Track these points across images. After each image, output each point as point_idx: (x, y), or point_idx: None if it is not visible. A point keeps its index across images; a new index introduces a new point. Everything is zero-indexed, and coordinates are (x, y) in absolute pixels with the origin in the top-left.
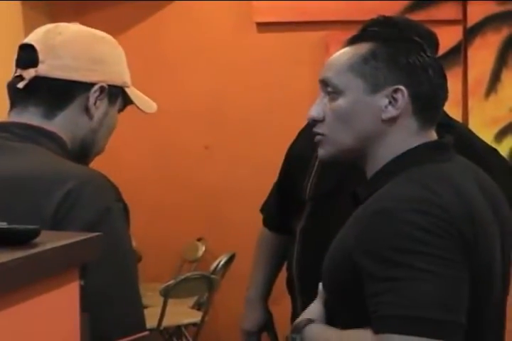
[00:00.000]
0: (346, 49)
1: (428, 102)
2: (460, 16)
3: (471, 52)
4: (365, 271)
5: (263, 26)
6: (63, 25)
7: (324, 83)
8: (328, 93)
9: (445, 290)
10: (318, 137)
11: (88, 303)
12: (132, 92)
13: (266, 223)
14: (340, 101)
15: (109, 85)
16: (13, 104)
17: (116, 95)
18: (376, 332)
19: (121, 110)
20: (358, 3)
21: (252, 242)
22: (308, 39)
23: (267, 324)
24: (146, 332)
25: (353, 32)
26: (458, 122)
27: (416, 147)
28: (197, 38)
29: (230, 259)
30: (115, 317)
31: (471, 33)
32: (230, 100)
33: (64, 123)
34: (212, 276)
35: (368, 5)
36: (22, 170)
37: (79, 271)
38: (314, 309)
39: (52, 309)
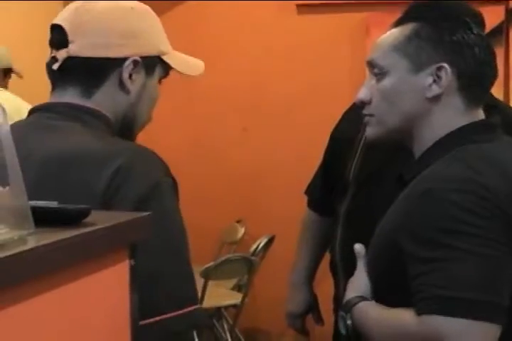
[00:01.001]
0: (392, 30)
1: (474, 80)
2: None
3: None
4: (408, 252)
5: (303, 8)
6: (91, 2)
7: (371, 64)
8: (375, 74)
9: (486, 271)
10: (366, 118)
11: (142, 278)
12: (172, 58)
13: (310, 205)
14: (386, 82)
15: (143, 57)
16: (53, 85)
17: (153, 65)
18: (419, 313)
19: (164, 77)
20: None
21: (290, 224)
22: (349, 21)
23: (312, 306)
24: (197, 306)
25: (393, 13)
26: (502, 102)
27: (462, 127)
28: (238, 21)
29: (270, 241)
30: (169, 292)
31: None
32: (269, 82)
33: (103, 100)
34: (252, 258)
35: None
36: (70, 149)
37: (128, 250)
38: (361, 284)
39: (102, 288)
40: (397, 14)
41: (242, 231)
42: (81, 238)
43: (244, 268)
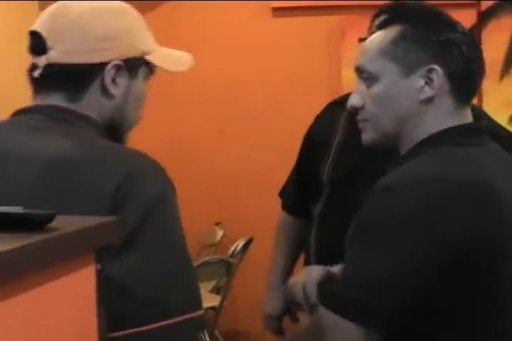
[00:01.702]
0: (376, 34)
1: (464, 79)
2: (474, 1)
3: (485, 35)
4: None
5: (279, 11)
6: (67, 5)
7: (359, 70)
8: (365, 80)
9: (379, 276)
10: (361, 124)
11: (143, 284)
12: (157, 57)
13: (285, 207)
14: (377, 87)
15: (125, 60)
16: (36, 91)
17: (137, 66)
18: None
19: (151, 74)
20: None
21: (269, 226)
22: (324, 23)
23: (288, 308)
24: (202, 311)
25: (369, 16)
26: (476, 106)
27: (448, 128)
28: (213, 24)
29: (248, 243)
30: (174, 297)
31: (485, 17)
32: (245, 85)
33: (90, 105)
34: (231, 260)
35: None
36: (76, 152)
37: (95, 255)
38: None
39: (68, 293)
40: None
41: (220, 233)
42: (45, 243)
43: (222, 270)
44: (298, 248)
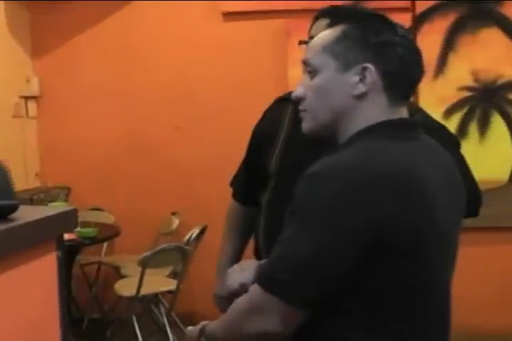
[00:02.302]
0: (324, 32)
1: (399, 79)
2: (409, 4)
3: (420, 38)
4: None
5: (229, 15)
6: None
7: (305, 64)
8: (309, 73)
9: (304, 254)
10: (301, 113)
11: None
12: None
13: (235, 196)
14: (317, 80)
15: None
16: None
17: None
18: None
19: None
20: None
21: (222, 215)
22: (271, 26)
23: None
24: None
25: (311, 19)
26: (412, 102)
27: (380, 122)
28: (167, 28)
29: (202, 231)
30: None
31: (419, 20)
32: (198, 84)
33: None
34: (186, 247)
35: None
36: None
37: (56, 242)
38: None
39: (32, 278)
40: None
41: (176, 222)
42: (9, 231)
43: (178, 256)
44: (246, 234)
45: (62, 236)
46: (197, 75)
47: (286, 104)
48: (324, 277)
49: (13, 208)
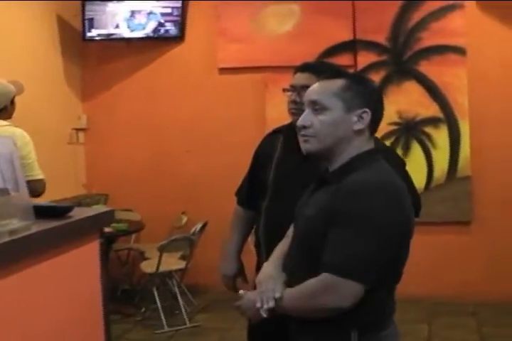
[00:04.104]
0: (325, 82)
1: (378, 119)
2: (352, 63)
3: None
4: (332, 231)
5: (223, 70)
6: None
7: (315, 102)
8: (316, 109)
9: (363, 251)
10: (306, 137)
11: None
12: None
13: (239, 202)
14: (327, 115)
15: None
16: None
17: None
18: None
19: None
20: (287, 53)
21: (218, 214)
22: (253, 79)
23: (240, 270)
24: None
25: (283, 74)
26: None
27: (368, 150)
28: (180, 78)
29: (204, 226)
30: None
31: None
32: (203, 120)
33: None
34: (192, 237)
35: (294, 53)
36: None
37: (98, 233)
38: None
39: (82, 259)
40: (288, 74)
41: (185, 219)
42: (66, 225)
43: (187, 244)
44: (247, 231)
45: (103, 229)
46: (202, 113)
47: (278, 134)
48: (380, 264)
49: (70, 209)
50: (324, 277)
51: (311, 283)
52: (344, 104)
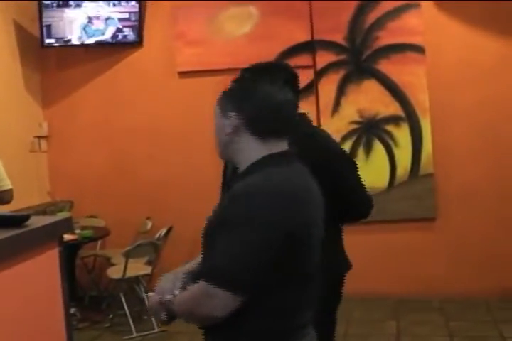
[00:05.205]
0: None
1: (260, 124)
2: (311, 63)
3: (320, 87)
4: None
5: (183, 74)
6: None
7: None
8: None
9: (238, 254)
10: None
11: None
12: None
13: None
14: (214, 121)
15: None
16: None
17: None
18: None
19: None
20: (246, 55)
21: (183, 219)
22: (213, 82)
23: None
24: None
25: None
26: (318, 129)
27: (265, 156)
28: (140, 83)
29: (169, 231)
30: None
31: (319, 74)
32: (164, 125)
33: None
34: (157, 242)
35: (253, 55)
36: None
37: (58, 241)
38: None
39: (41, 268)
40: None
41: (150, 224)
42: (23, 234)
43: (152, 249)
44: None
45: (62, 236)
46: (163, 118)
47: None
48: (257, 270)
49: (27, 218)
50: (199, 284)
51: (191, 289)
52: (220, 109)
